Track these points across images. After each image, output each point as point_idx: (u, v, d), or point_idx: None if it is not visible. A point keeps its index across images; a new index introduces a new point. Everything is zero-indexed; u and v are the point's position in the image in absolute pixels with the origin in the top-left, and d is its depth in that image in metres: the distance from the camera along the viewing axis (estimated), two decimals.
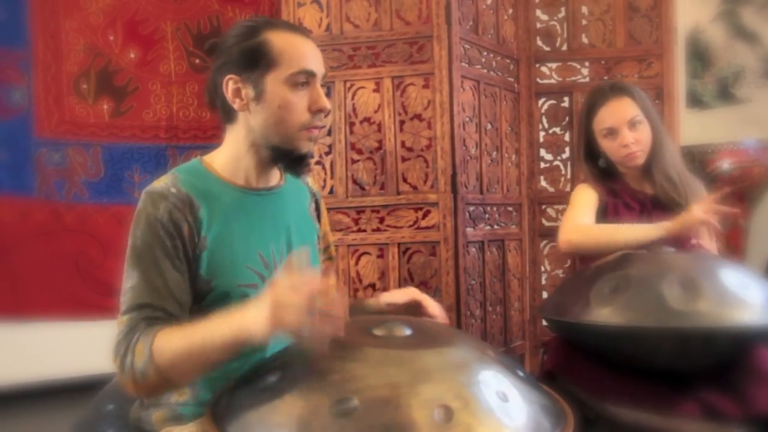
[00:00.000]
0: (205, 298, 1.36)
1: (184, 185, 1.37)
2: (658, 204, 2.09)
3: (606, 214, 2.12)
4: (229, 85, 1.39)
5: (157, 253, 1.30)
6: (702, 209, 1.85)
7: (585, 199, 2.14)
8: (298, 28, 1.46)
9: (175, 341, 1.22)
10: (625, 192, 2.14)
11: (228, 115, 1.44)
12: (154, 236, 1.31)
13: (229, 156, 1.45)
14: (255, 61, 1.37)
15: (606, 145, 2.11)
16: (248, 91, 1.38)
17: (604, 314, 1.62)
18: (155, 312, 1.29)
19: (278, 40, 1.37)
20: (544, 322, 2.99)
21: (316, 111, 1.40)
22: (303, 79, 1.38)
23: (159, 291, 1.29)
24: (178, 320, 1.30)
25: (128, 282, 1.31)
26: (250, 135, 1.42)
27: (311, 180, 1.70)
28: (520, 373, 1.12)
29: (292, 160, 1.43)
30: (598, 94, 2.16)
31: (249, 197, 1.45)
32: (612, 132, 2.08)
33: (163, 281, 1.30)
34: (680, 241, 1.93)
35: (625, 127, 2.06)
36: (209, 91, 1.46)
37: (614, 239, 1.95)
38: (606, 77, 2.96)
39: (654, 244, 1.85)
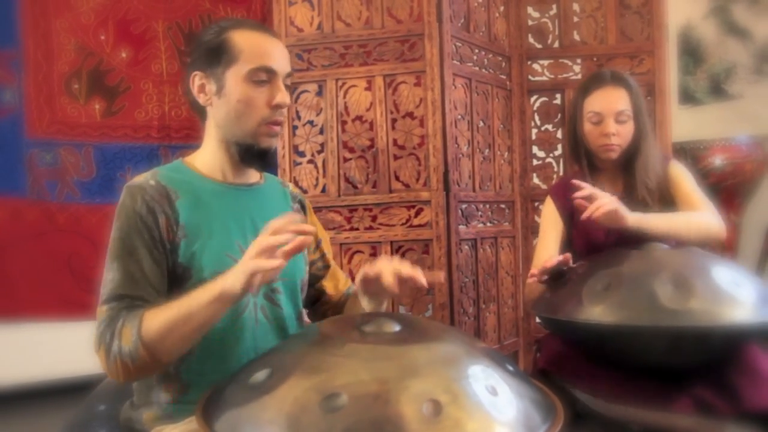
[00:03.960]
0: (184, 286, 1.38)
1: (162, 179, 1.43)
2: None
3: (574, 221, 2.11)
4: (195, 80, 1.46)
5: (136, 243, 1.36)
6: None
7: (543, 231, 2.20)
8: (263, 27, 1.51)
9: (162, 315, 1.27)
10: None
11: (200, 112, 1.51)
12: (133, 228, 1.36)
13: (207, 153, 1.52)
14: (217, 57, 1.43)
15: (588, 129, 2.10)
16: (211, 86, 1.45)
17: (597, 312, 1.61)
18: (134, 302, 1.33)
19: (240, 37, 1.43)
20: (537, 320, 3.00)
21: (274, 106, 1.44)
22: (263, 76, 1.43)
23: (137, 282, 1.35)
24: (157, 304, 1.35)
25: (109, 274, 1.36)
26: (218, 131, 1.48)
27: (292, 186, 1.74)
28: (510, 368, 1.12)
29: (253, 155, 1.48)
30: (597, 77, 2.15)
31: (228, 191, 1.50)
32: (598, 117, 2.07)
33: (141, 272, 1.35)
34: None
35: (612, 117, 2.05)
36: (186, 92, 1.52)
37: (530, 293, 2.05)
38: None
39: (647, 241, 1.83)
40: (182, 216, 1.40)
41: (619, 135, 2.06)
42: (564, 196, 2.13)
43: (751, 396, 1.57)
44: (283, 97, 1.44)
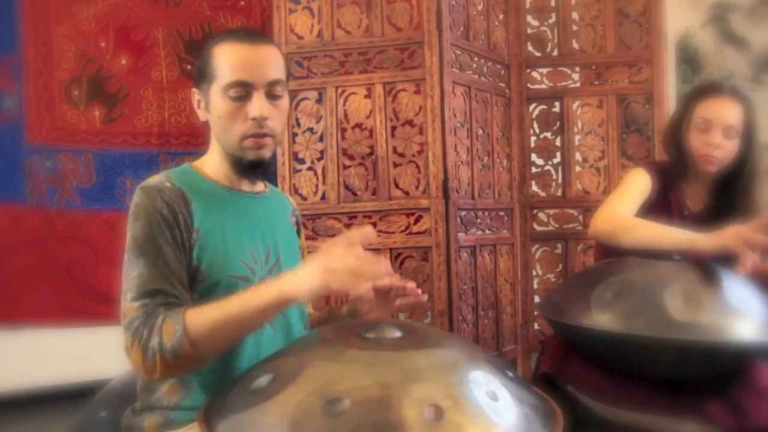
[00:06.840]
0: (197, 288, 1.39)
1: (176, 181, 1.44)
2: (701, 223, 1.95)
3: (652, 208, 2.05)
4: (194, 97, 1.53)
5: (160, 242, 1.35)
6: (741, 234, 1.65)
7: (634, 186, 2.05)
8: (249, 37, 1.46)
9: (209, 312, 1.27)
10: (674, 201, 2.07)
11: (206, 123, 1.54)
12: (155, 227, 1.36)
13: (213, 160, 1.54)
14: (203, 74, 1.47)
15: (693, 134, 2.01)
16: (203, 103, 1.50)
17: (604, 319, 1.60)
18: (169, 298, 1.32)
19: (219, 52, 1.45)
20: (536, 326, 3.01)
21: (251, 120, 1.43)
22: (237, 91, 1.43)
23: (168, 278, 1.34)
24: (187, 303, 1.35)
25: (134, 270, 1.34)
26: (217, 142, 1.52)
27: (293, 201, 1.78)
28: (510, 374, 1.13)
29: (244, 167, 1.49)
30: (715, 84, 2.06)
31: (238, 197, 1.53)
32: (706, 125, 1.98)
33: (170, 269, 1.35)
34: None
35: (720, 129, 1.96)
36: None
37: (646, 238, 1.83)
38: (596, 82, 2.99)
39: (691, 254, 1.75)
40: (197, 219, 1.41)
41: (722, 149, 1.97)
42: (657, 178, 2.07)
43: (756, 412, 1.56)
44: (257, 110, 1.42)
